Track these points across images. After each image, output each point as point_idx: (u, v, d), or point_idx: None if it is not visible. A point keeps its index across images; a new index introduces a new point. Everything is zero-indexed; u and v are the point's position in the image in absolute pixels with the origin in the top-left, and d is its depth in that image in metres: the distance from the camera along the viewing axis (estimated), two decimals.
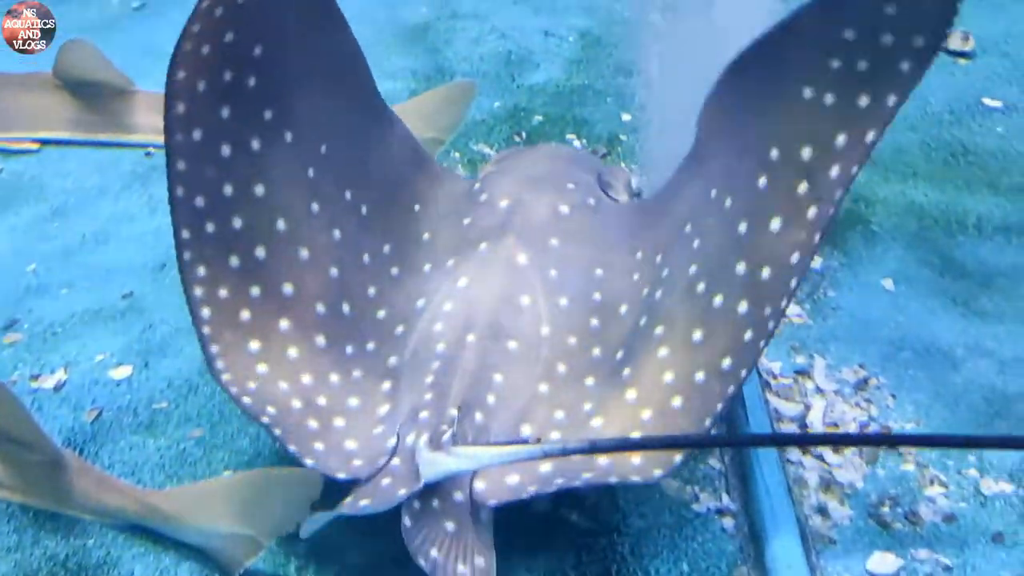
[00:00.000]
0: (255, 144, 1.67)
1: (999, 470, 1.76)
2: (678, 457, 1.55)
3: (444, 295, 1.80)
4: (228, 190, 1.65)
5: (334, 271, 1.75)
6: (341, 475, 1.58)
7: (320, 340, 1.71)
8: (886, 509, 1.70)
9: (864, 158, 1.50)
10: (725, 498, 1.73)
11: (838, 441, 1.87)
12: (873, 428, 1.84)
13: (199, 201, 1.64)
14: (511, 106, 3.05)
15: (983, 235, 2.38)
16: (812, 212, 1.52)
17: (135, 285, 2.30)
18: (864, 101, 1.47)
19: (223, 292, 1.66)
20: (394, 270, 1.86)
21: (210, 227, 1.64)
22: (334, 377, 1.71)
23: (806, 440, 1.88)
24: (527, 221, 1.89)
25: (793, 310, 2.14)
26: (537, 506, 1.62)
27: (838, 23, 1.47)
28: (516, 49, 3.39)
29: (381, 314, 1.80)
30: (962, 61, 3.22)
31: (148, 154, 2.86)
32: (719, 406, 1.55)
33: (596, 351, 1.73)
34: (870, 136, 1.48)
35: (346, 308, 1.76)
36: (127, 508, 1.66)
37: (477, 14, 3.65)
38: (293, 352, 1.69)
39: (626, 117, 2.94)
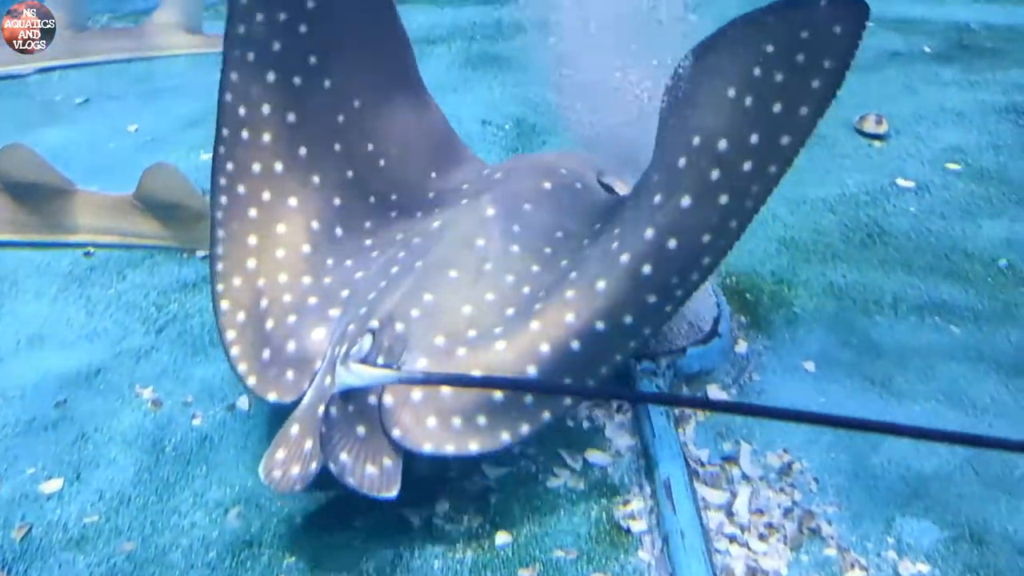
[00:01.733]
0: (296, 80, 2.07)
1: (916, 551, 1.81)
2: (568, 400, 1.86)
3: (418, 232, 2.10)
4: (266, 109, 2.03)
5: (338, 200, 2.11)
6: (272, 396, 1.88)
7: (306, 248, 2.05)
8: None
9: (780, 162, 1.75)
10: None
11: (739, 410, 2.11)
12: (797, 513, 1.90)
13: (241, 111, 2.03)
14: None
15: (899, 315, 2.48)
16: (724, 199, 1.77)
17: (69, 392, 2.29)
18: (778, 108, 1.74)
19: (241, 188, 2.02)
20: (392, 213, 2.18)
21: (244, 134, 2.03)
22: (307, 279, 2.03)
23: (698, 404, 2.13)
24: (508, 188, 2.19)
25: (720, 395, 2.21)
26: None
27: (761, 36, 1.74)
28: None
29: (368, 242, 2.12)
30: (877, 143, 3.41)
31: (88, 254, 2.88)
32: (617, 357, 1.86)
33: (526, 290, 1.97)
34: (784, 140, 1.74)
35: (339, 231, 2.10)
36: None
37: None
38: (280, 252, 2.03)
39: None
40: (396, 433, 1.77)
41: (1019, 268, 2.65)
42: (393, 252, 2.06)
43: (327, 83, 2.10)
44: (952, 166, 3.22)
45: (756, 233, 2.86)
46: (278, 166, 2.05)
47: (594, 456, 2.05)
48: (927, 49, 4.31)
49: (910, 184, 3.12)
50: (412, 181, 2.24)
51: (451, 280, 1.97)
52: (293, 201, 2.05)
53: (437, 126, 2.35)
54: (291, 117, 2.06)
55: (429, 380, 1.81)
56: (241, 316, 1.96)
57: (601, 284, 1.86)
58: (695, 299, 2.32)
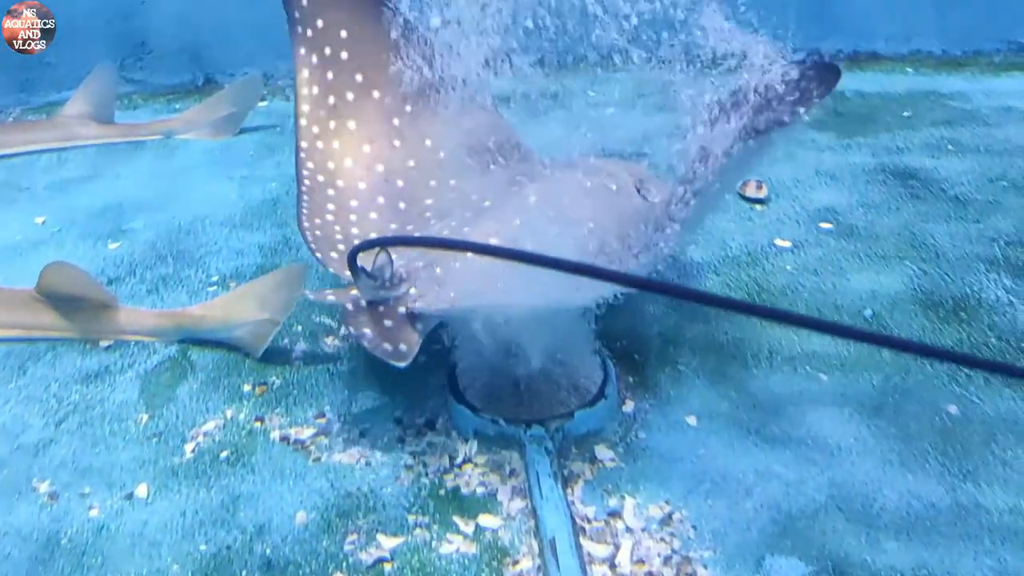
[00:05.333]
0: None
1: None
2: None
3: (472, 209, 2.50)
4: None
5: (400, 183, 2.69)
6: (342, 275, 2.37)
7: (374, 215, 2.61)
8: None
9: None
10: None
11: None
12: (675, 560, 2.00)
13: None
14: None
15: (773, 367, 2.65)
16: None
17: None
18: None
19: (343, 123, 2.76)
20: (451, 194, 2.61)
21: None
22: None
23: None
24: (553, 182, 2.55)
25: (607, 454, 2.33)
26: None
27: None
28: None
29: (428, 214, 2.57)
30: (758, 207, 3.63)
31: None
32: None
33: None
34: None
35: (402, 205, 2.64)
36: None
37: None
38: (353, 203, 2.62)
39: None
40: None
41: (882, 317, 2.86)
42: (448, 221, 2.47)
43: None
44: (825, 225, 3.47)
45: (645, 296, 3.02)
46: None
47: (486, 520, 2.13)
48: (806, 117, 4.63)
49: (787, 244, 3.34)
50: (472, 168, 2.68)
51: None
52: (380, 167, 2.71)
53: (503, 128, 2.83)
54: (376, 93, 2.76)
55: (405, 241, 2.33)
56: (317, 221, 2.54)
57: None
58: (583, 364, 2.48)
